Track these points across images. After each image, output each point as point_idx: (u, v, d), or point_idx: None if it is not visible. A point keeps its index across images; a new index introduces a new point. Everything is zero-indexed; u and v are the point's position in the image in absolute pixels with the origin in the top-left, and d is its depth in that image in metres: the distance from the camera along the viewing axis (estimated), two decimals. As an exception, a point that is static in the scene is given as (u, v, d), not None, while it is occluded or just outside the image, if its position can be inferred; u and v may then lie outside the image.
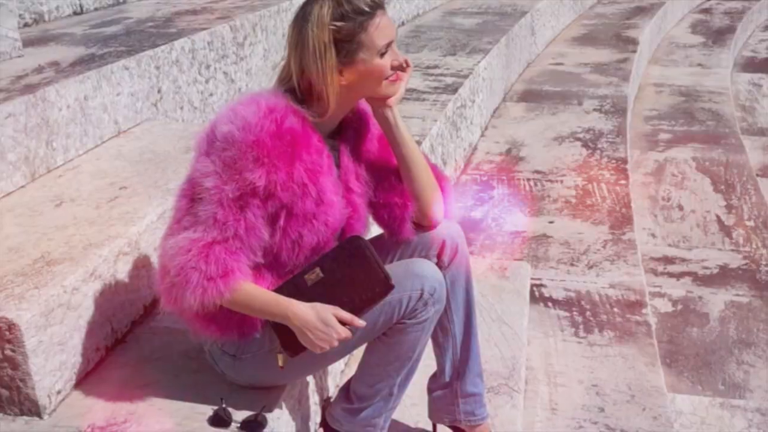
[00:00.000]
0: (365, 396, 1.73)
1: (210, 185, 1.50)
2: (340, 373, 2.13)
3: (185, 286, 1.49)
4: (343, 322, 1.53)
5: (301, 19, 1.57)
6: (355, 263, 1.55)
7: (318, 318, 1.52)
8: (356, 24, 1.55)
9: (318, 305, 1.54)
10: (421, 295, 1.59)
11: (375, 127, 1.74)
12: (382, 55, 1.58)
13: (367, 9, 1.56)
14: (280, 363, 1.61)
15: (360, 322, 1.54)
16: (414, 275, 1.60)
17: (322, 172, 1.59)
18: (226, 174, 1.49)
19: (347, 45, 1.56)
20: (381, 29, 1.57)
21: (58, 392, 1.69)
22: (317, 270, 1.57)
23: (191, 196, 1.53)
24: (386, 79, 1.61)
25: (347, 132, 1.72)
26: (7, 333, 1.58)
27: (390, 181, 1.75)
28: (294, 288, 1.56)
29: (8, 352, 1.60)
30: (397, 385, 1.72)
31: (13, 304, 1.61)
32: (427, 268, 1.63)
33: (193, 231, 1.50)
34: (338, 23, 1.54)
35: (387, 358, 1.67)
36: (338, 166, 1.68)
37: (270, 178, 1.50)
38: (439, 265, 1.76)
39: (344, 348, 1.66)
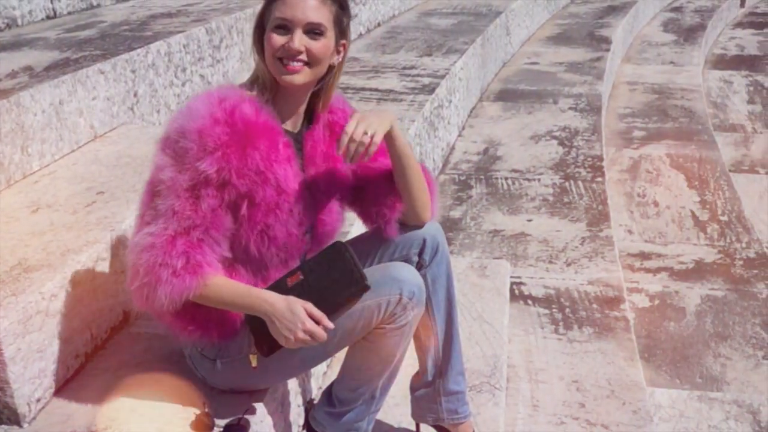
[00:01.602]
0: (347, 400, 1.73)
1: (165, 177, 1.51)
2: (322, 375, 2.13)
3: (155, 284, 1.49)
4: (313, 319, 1.51)
5: None
6: (334, 265, 1.56)
7: (287, 307, 1.50)
8: None
9: (291, 298, 1.52)
10: (400, 299, 1.58)
11: None
12: (276, 28, 1.56)
13: None
14: (253, 363, 1.61)
15: (329, 323, 1.51)
16: (392, 279, 1.59)
17: (279, 160, 1.58)
18: (179, 165, 1.50)
19: (266, 14, 1.59)
20: (287, 3, 1.56)
21: (38, 400, 1.67)
22: (298, 272, 1.58)
23: (151, 190, 1.54)
24: (278, 59, 1.56)
25: (316, 127, 1.71)
26: (-15, 341, 1.56)
27: (380, 182, 1.75)
28: (276, 290, 1.57)
29: (-14, 361, 1.58)
30: (379, 388, 1.72)
31: (-10, 311, 1.59)
32: (405, 271, 1.62)
33: (154, 225, 1.50)
34: None
35: (368, 363, 1.67)
36: (303, 161, 1.67)
37: (221, 165, 1.50)
38: (419, 263, 1.77)
39: (324, 352, 1.67)
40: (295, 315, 1.50)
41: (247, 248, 1.60)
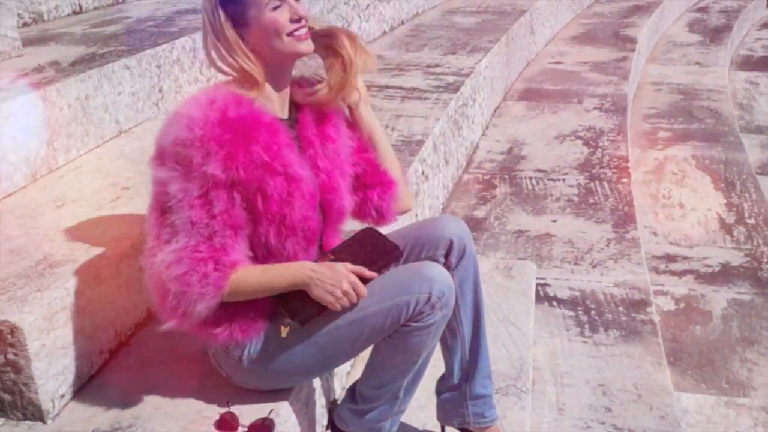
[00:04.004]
0: (370, 398, 1.71)
1: (174, 191, 1.48)
2: (346, 374, 2.11)
3: (190, 297, 1.48)
4: (354, 274, 1.55)
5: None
6: (363, 242, 1.64)
7: (328, 267, 1.55)
8: None
9: (328, 262, 1.58)
10: (429, 298, 1.56)
11: (335, 116, 1.74)
12: (274, 9, 1.55)
13: None
14: (283, 334, 1.59)
15: (371, 273, 1.57)
16: (423, 278, 1.58)
17: (281, 147, 1.57)
18: (186, 175, 1.47)
19: (235, 8, 1.55)
20: None
21: (62, 396, 1.67)
22: (328, 254, 1.63)
23: (160, 208, 1.50)
24: (288, 35, 1.56)
25: (304, 107, 1.70)
26: (10, 337, 1.56)
27: (373, 165, 1.79)
28: None
29: (11, 356, 1.57)
30: (403, 389, 1.70)
31: (15, 307, 1.59)
32: (436, 271, 1.60)
33: (176, 242, 1.48)
34: None
35: (392, 361, 1.65)
36: (300, 144, 1.66)
37: (228, 165, 1.49)
38: (446, 265, 1.74)
39: (350, 350, 1.65)
40: (337, 272, 1.54)
41: (268, 244, 1.58)
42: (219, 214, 1.50)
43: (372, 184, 1.79)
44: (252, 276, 1.55)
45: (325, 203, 1.68)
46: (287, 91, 1.67)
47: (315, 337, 1.61)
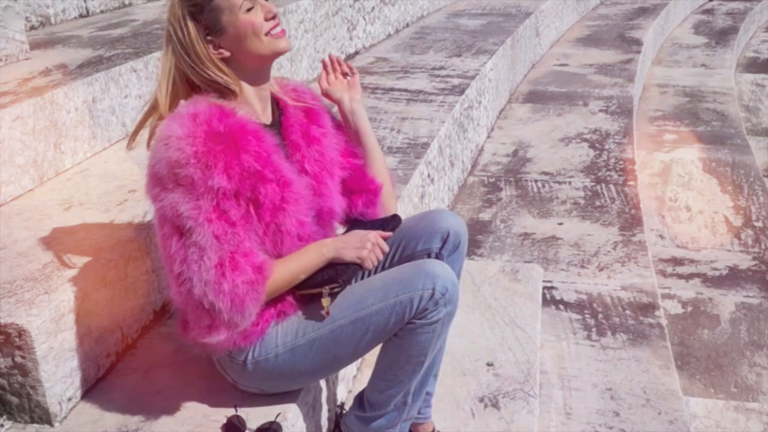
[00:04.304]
0: (378, 404, 1.70)
1: (187, 211, 1.46)
2: (353, 378, 2.11)
3: (243, 306, 1.48)
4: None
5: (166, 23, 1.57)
6: (357, 228, 1.71)
7: (350, 235, 1.65)
8: None
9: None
10: (432, 294, 1.55)
11: (320, 115, 1.74)
12: (248, 11, 1.55)
13: None
14: (326, 305, 1.59)
15: (385, 233, 1.67)
16: (426, 274, 1.57)
17: (270, 154, 1.56)
18: (193, 194, 1.46)
19: (207, 16, 1.53)
20: None
21: (69, 399, 1.66)
22: None
23: (178, 232, 1.48)
24: (267, 35, 1.57)
25: (288, 109, 1.70)
26: (17, 339, 1.56)
27: (360, 170, 1.79)
28: None
29: (18, 359, 1.57)
30: (411, 393, 1.69)
31: (23, 309, 1.58)
32: (439, 267, 1.60)
33: (208, 258, 1.46)
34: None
35: (398, 361, 1.64)
36: (286, 149, 1.66)
37: (229, 173, 1.48)
38: (437, 257, 1.76)
39: (355, 350, 1.64)
40: (358, 235, 1.63)
41: (265, 250, 1.57)
42: (237, 220, 1.49)
43: (358, 191, 1.79)
44: (281, 269, 1.55)
45: (315, 206, 1.67)
46: (268, 93, 1.67)
47: (319, 337, 1.60)
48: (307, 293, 1.62)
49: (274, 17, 1.58)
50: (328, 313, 1.59)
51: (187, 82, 1.58)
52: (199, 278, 1.46)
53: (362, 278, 1.72)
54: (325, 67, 1.83)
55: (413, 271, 1.59)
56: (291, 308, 1.64)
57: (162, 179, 1.47)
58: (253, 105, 1.62)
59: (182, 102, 1.56)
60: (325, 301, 1.59)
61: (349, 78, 1.82)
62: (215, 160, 1.46)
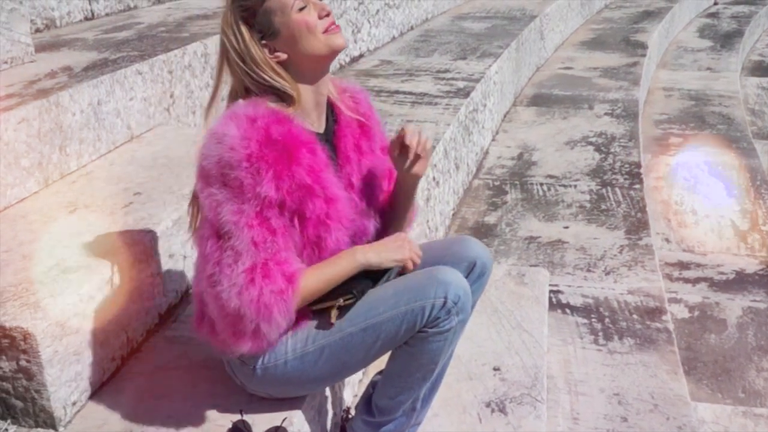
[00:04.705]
0: (386, 409, 1.69)
1: (229, 215, 1.45)
2: (358, 382, 2.09)
3: (270, 315, 1.46)
4: None
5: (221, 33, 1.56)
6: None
7: (386, 240, 1.62)
8: None
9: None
10: (445, 302, 1.54)
11: (372, 128, 1.72)
12: (300, 10, 1.53)
13: None
14: (333, 318, 1.57)
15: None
16: (438, 282, 1.55)
17: (321, 168, 1.54)
18: (239, 197, 1.44)
19: (259, 19, 1.52)
20: None
21: (74, 403, 1.65)
22: None
23: (216, 233, 1.47)
24: (323, 32, 1.54)
25: (342, 117, 1.68)
26: (22, 343, 1.55)
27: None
28: None
29: (23, 363, 1.56)
30: (420, 399, 1.68)
31: (28, 313, 1.58)
32: (451, 275, 1.57)
33: (242, 263, 1.45)
34: (241, 3, 1.51)
35: (408, 369, 1.63)
36: (337, 160, 1.64)
37: (279, 184, 1.46)
38: None
39: (365, 357, 1.63)
40: (395, 240, 1.61)
41: (302, 260, 1.55)
42: (278, 228, 1.47)
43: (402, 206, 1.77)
44: (313, 277, 1.53)
45: (355, 224, 1.65)
46: (325, 98, 1.64)
47: (329, 345, 1.59)
48: (320, 308, 1.59)
49: (328, 14, 1.55)
50: (332, 324, 1.58)
51: (245, 91, 1.56)
52: (229, 282, 1.45)
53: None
54: (401, 143, 1.66)
55: (425, 279, 1.57)
56: (305, 319, 1.61)
57: (209, 176, 1.46)
58: (309, 111, 1.60)
59: (240, 102, 1.54)
60: (333, 312, 1.57)
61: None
62: (267, 167, 1.45)
